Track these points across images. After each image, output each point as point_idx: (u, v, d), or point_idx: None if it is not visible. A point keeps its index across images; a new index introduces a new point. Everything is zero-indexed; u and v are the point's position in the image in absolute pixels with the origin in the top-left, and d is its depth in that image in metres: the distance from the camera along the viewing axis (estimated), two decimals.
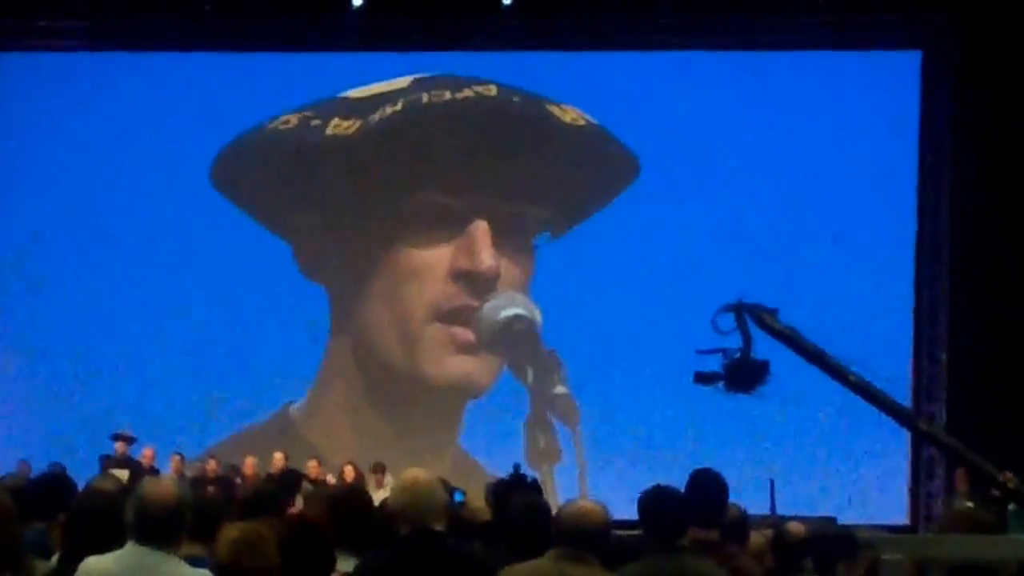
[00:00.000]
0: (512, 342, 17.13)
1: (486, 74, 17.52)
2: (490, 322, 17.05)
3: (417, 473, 5.16)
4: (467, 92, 17.43)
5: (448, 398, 17.38)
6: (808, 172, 17.23)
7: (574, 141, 17.37)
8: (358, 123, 17.37)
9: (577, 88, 17.52)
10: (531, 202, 17.43)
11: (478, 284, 17.15)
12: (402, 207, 17.41)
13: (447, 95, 17.41)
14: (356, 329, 17.61)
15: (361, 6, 17.13)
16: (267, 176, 17.62)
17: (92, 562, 4.79)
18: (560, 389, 17.04)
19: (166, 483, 5.15)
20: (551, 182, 17.43)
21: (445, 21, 17.24)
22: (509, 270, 17.25)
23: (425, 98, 17.36)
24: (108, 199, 17.69)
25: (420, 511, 4.98)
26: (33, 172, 17.86)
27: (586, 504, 5.13)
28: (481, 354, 17.22)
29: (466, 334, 17.16)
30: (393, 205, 17.42)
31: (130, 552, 4.73)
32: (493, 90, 17.47)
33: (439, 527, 5.06)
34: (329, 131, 17.38)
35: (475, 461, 16.93)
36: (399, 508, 5.04)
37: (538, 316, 17.17)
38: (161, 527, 4.71)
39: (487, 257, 17.09)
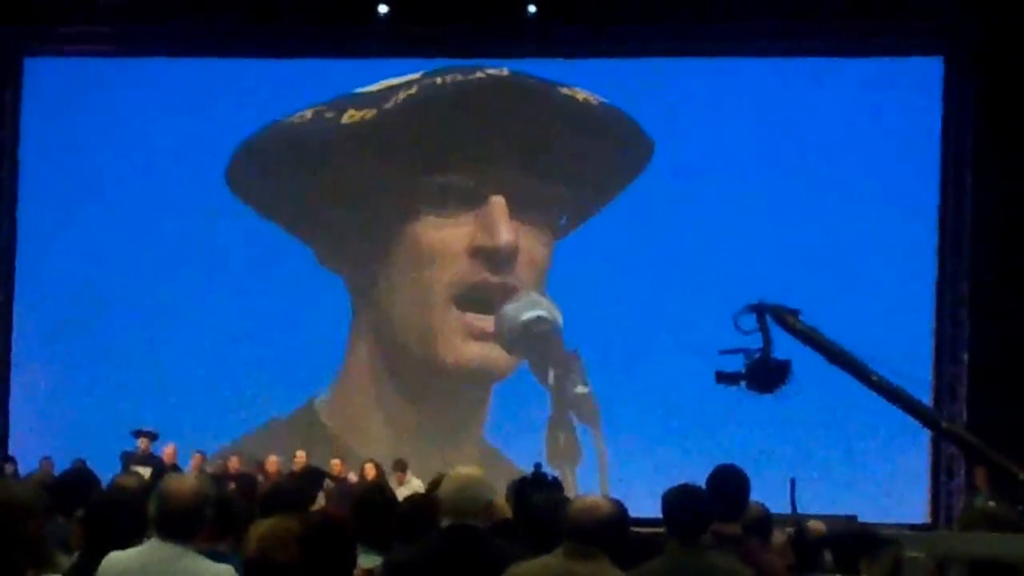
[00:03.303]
0: (533, 343, 17.12)
1: None
2: (511, 324, 17.05)
3: (469, 471, 5.27)
4: (480, 74, 17.47)
5: (471, 384, 17.39)
6: (830, 176, 17.19)
7: (588, 116, 17.36)
8: (373, 111, 17.41)
9: (600, 94, 17.52)
10: (548, 177, 17.37)
11: (497, 260, 17.11)
12: (418, 188, 17.39)
13: (460, 76, 17.46)
14: (376, 318, 17.64)
15: (387, 14, 17.14)
16: (283, 167, 17.65)
17: (114, 557, 4.82)
18: (581, 389, 17.03)
19: (188, 479, 5.19)
20: (566, 156, 17.38)
21: (470, 29, 17.26)
22: (528, 246, 17.23)
23: (439, 80, 17.41)
24: (131, 199, 17.79)
25: (463, 507, 5.08)
26: (58, 175, 17.96)
27: (594, 499, 5.03)
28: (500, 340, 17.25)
29: (484, 321, 17.18)
30: (409, 186, 17.39)
31: (152, 547, 4.78)
32: (505, 71, 17.52)
33: (479, 524, 5.14)
34: (344, 120, 17.42)
35: (501, 454, 16.93)
36: (443, 501, 5.15)
37: (559, 318, 17.16)
38: (182, 522, 4.75)
39: (505, 232, 17.06)
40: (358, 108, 17.42)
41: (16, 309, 18.07)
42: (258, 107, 17.73)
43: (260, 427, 17.39)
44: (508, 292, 17.14)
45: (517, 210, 17.20)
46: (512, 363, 17.25)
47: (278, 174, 17.67)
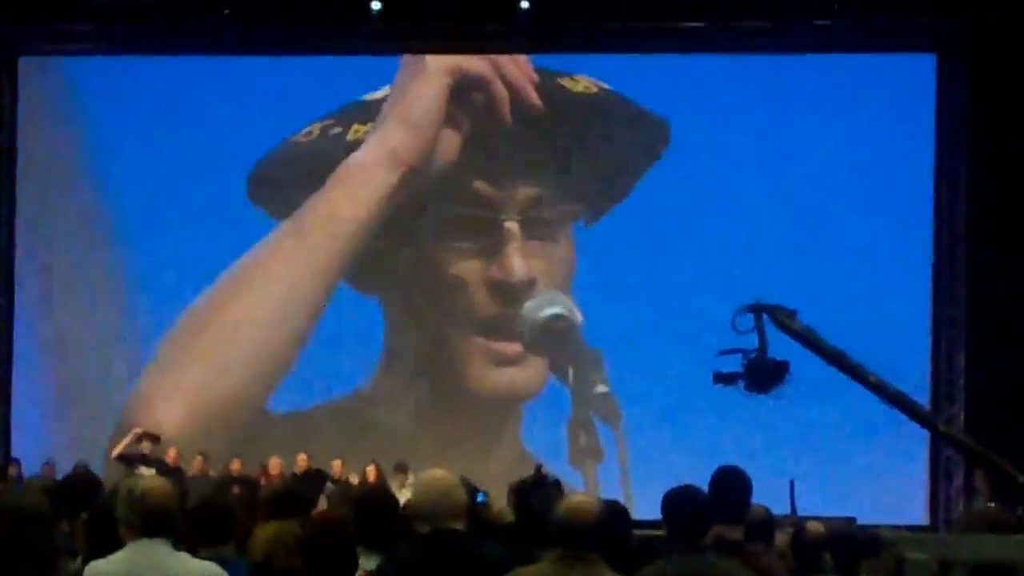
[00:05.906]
0: (553, 341, 17.08)
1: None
2: (530, 322, 16.99)
3: (437, 473, 5.12)
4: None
5: (499, 405, 17.37)
6: (824, 174, 17.21)
7: (590, 111, 17.38)
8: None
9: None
10: (562, 187, 17.39)
11: (513, 293, 17.12)
12: (428, 215, 17.40)
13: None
14: (407, 341, 17.62)
15: (379, 11, 17.14)
16: (299, 190, 17.52)
17: (97, 566, 4.79)
18: (601, 388, 17.00)
19: (156, 479, 5.19)
20: (578, 158, 17.40)
21: (462, 25, 17.27)
22: (547, 268, 17.24)
23: None
24: (131, 199, 17.74)
25: (439, 511, 4.95)
26: (55, 174, 17.92)
27: (580, 500, 4.88)
28: (526, 362, 17.16)
29: (508, 346, 17.15)
30: (420, 213, 17.38)
31: (137, 549, 4.71)
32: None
33: (459, 527, 4.99)
34: (350, 137, 17.42)
35: (536, 460, 16.83)
36: (418, 508, 5.02)
37: (578, 316, 17.09)
38: (164, 521, 4.71)
39: (518, 267, 17.04)
40: (363, 122, 17.41)
41: (16, 311, 18.00)
42: (255, 105, 17.67)
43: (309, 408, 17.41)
44: None
45: (531, 230, 17.22)
46: (539, 384, 17.23)
47: (296, 195, 17.52)
